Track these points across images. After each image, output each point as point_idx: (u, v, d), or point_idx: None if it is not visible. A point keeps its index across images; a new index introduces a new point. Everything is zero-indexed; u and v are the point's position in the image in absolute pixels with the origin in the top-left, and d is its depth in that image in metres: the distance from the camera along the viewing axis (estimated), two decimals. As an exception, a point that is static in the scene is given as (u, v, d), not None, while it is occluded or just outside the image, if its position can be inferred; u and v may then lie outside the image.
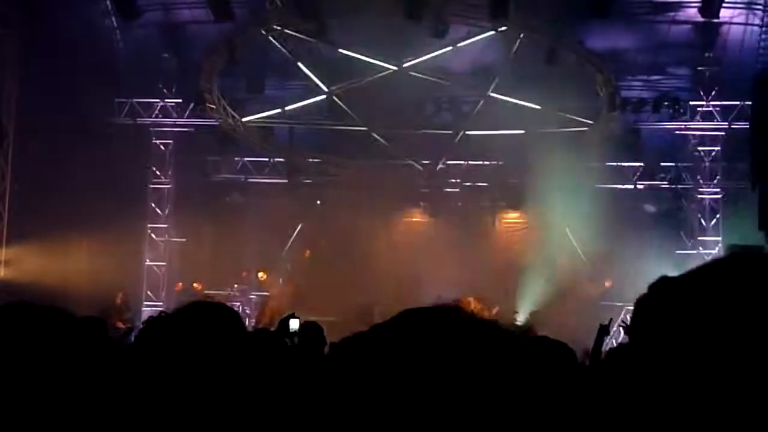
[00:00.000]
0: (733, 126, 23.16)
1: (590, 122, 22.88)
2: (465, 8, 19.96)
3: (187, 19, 22.34)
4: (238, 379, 2.18)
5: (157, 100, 24.28)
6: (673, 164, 24.31)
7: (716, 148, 23.64)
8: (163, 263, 24.50)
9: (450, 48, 21.31)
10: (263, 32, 21.45)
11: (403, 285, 21.48)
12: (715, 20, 20.77)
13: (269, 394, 2.22)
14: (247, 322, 23.28)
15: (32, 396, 2.25)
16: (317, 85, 22.97)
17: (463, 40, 21.22)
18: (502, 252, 24.27)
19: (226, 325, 2.35)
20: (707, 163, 23.70)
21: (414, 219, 25.32)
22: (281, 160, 24.99)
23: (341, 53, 21.85)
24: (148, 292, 24.02)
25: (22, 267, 20.62)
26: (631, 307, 1.52)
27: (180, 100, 24.14)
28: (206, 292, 22.71)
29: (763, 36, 21.74)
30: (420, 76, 22.29)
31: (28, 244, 20.61)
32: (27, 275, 20.03)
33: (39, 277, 19.55)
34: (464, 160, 24.63)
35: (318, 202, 25.10)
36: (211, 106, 22.64)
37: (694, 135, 23.82)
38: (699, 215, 23.60)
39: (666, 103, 22.72)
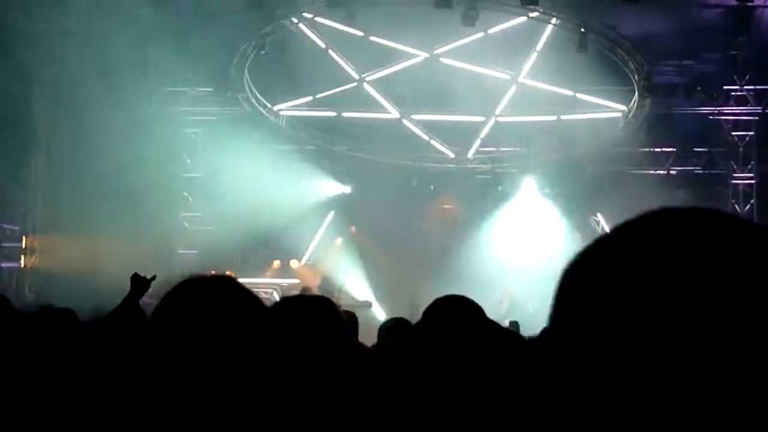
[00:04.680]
0: (767, 110, 22.97)
1: (623, 108, 22.78)
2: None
3: (218, 8, 22.35)
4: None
5: (188, 89, 24.36)
6: (706, 149, 24.14)
7: (750, 133, 23.43)
8: (195, 251, 24.59)
9: (481, 34, 21.23)
10: (294, 20, 21.48)
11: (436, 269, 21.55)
12: (749, 3, 20.57)
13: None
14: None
15: None
16: (348, 72, 22.99)
17: (494, 26, 21.15)
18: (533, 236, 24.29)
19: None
20: (741, 148, 23.50)
21: (445, 205, 25.27)
22: (312, 147, 24.97)
23: (372, 41, 21.82)
24: (181, 281, 24.09)
25: (54, 255, 20.80)
26: None
27: (211, 89, 24.21)
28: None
29: (798, 19, 21.52)
30: (451, 63, 22.26)
31: (61, 232, 20.77)
32: (59, 263, 20.20)
33: (71, 264, 19.71)
34: (496, 146, 24.58)
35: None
36: (243, 95, 22.69)
37: (727, 119, 23.63)
38: (733, 201, 23.40)
39: (699, 88, 22.56)
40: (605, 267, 1.10)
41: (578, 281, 1.13)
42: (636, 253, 1.08)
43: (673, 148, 24.02)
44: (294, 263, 24.95)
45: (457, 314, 3.87)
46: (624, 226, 1.14)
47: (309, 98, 23.68)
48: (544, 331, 6.38)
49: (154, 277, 7.52)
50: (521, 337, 2.17)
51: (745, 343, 1.01)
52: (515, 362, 2.02)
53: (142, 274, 7.42)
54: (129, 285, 7.45)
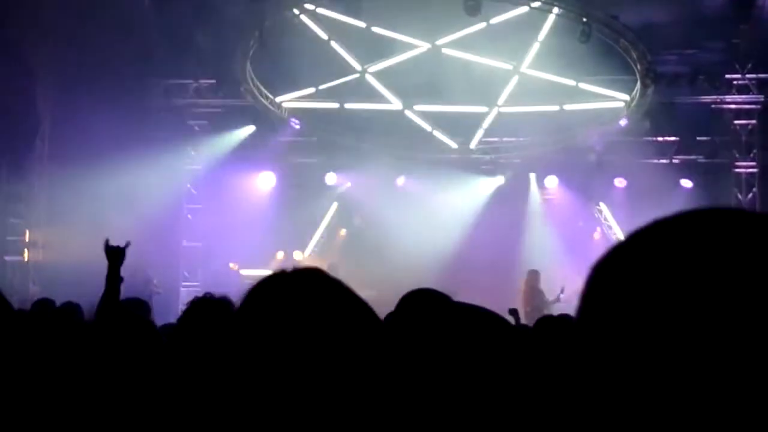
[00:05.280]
0: (769, 99, 22.98)
1: (625, 97, 22.76)
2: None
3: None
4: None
5: (191, 81, 24.35)
6: (708, 138, 24.07)
7: (752, 122, 23.40)
8: (199, 243, 24.60)
9: (483, 25, 21.20)
10: (296, 11, 21.47)
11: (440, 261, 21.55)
12: (751, -8, 20.57)
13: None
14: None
15: None
16: (350, 64, 22.96)
17: (496, 16, 21.12)
18: (537, 227, 24.30)
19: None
20: (744, 137, 23.47)
21: (448, 196, 25.24)
22: (315, 138, 24.95)
23: (374, 32, 21.79)
24: (185, 273, 24.17)
25: (58, 248, 20.82)
26: None
27: (214, 81, 24.21)
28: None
29: (800, 7, 21.47)
30: (453, 53, 22.23)
31: (64, 225, 20.78)
32: (63, 256, 20.22)
33: (75, 257, 19.71)
34: (498, 137, 24.57)
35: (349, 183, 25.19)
36: (246, 86, 22.70)
37: (730, 108, 23.59)
38: (735, 189, 23.39)
39: (701, 77, 22.52)
40: (641, 266, 1.07)
41: (611, 279, 1.10)
42: (673, 254, 1.05)
43: (676, 137, 23.95)
44: (298, 254, 24.95)
45: (426, 303, 3.94)
46: (661, 223, 1.12)
47: (312, 90, 23.65)
48: (540, 321, 6.42)
49: (128, 244, 7.50)
50: (503, 319, 2.16)
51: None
52: (492, 344, 2.03)
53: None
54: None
